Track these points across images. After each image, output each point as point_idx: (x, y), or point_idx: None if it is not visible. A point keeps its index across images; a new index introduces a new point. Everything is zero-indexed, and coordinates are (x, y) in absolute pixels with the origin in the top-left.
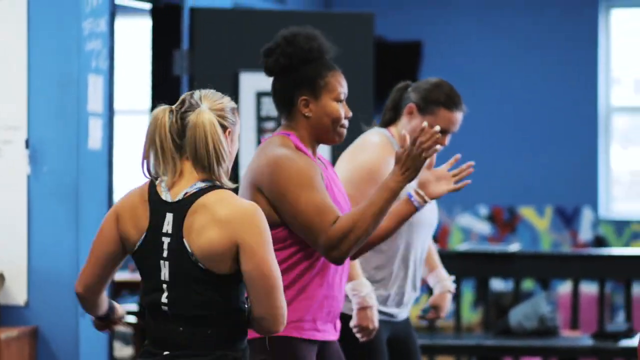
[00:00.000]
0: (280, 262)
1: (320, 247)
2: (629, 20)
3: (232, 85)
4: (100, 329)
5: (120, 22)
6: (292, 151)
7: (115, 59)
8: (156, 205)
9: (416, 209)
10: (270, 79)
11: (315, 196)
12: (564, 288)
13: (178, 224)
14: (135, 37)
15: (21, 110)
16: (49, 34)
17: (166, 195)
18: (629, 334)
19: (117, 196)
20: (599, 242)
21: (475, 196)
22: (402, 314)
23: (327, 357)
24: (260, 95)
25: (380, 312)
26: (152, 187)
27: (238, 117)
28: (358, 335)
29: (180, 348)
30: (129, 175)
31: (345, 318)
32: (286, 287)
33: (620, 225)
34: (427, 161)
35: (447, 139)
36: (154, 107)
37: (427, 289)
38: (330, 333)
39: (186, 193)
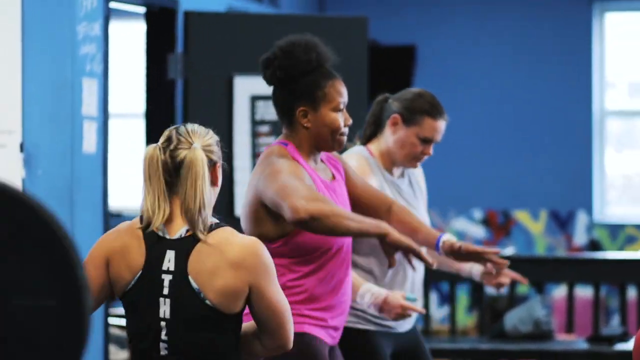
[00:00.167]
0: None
1: (291, 199)
2: (623, 24)
3: (226, 88)
4: None
5: (114, 26)
6: (283, 158)
7: (109, 62)
8: (153, 242)
9: (435, 250)
10: (265, 83)
11: (293, 178)
12: (559, 292)
13: (181, 261)
14: (129, 41)
15: (15, 114)
16: (44, 37)
17: (164, 232)
18: (624, 337)
19: (112, 200)
20: (594, 246)
21: (469, 200)
22: (404, 324)
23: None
24: (254, 99)
25: (380, 325)
26: (143, 224)
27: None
28: (400, 320)
29: None
30: (124, 179)
31: (346, 331)
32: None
33: (615, 229)
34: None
35: (431, 149)
36: (148, 110)
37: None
38: (338, 336)
39: (188, 230)
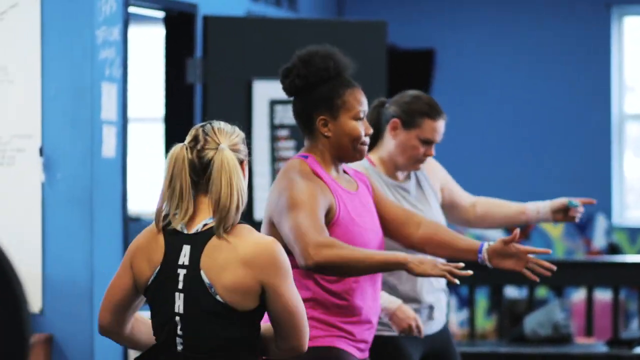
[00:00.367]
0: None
1: (301, 244)
2: None
3: (245, 93)
4: None
5: (133, 31)
6: (301, 176)
7: (128, 67)
8: (171, 237)
9: (477, 261)
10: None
11: (308, 214)
12: (578, 295)
13: (196, 255)
14: (148, 45)
15: (35, 119)
16: (63, 42)
17: (182, 228)
18: None
19: (131, 204)
20: (613, 249)
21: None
22: (432, 326)
23: None
24: (273, 103)
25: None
26: (165, 221)
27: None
28: (409, 334)
29: None
30: (143, 183)
31: (374, 339)
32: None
33: (634, 233)
34: (510, 237)
35: (433, 149)
36: (167, 115)
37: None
38: (367, 350)
39: (205, 225)
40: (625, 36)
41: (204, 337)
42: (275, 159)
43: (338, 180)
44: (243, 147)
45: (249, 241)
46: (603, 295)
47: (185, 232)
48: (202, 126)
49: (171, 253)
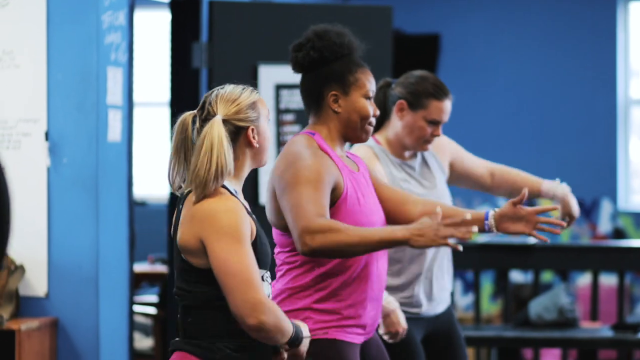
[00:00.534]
0: (301, 264)
1: (297, 230)
2: None
3: (250, 77)
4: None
5: (139, 15)
6: (309, 151)
7: (134, 51)
8: (177, 201)
9: (484, 229)
10: (290, 72)
11: (310, 193)
12: (583, 280)
13: (178, 216)
14: (154, 30)
15: (41, 103)
16: (68, 27)
17: (181, 192)
18: None
19: (137, 188)
20: (618, 233)
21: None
22: (435, 308)
23: (369, 355)
24: (279, 87)
25: (408, 312)
26: (181, 188)
27: (262, 106)
28: (390, 341)
29: (185, 337)
30: (149, 167)
31: None
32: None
33: (639, 217)
34: (518, 197)
35: (440, 129)
36: (173, 99)
37: None
38: (372, 331)
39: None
40: (631, 21)
41: (180, 294)
42: (280, 143)
43: (343, 159)
44: (247, 114)
45: (206, 202)
46: (608, 280)
47: (179, 195)
48: (211, 93)
49: (175, 217)
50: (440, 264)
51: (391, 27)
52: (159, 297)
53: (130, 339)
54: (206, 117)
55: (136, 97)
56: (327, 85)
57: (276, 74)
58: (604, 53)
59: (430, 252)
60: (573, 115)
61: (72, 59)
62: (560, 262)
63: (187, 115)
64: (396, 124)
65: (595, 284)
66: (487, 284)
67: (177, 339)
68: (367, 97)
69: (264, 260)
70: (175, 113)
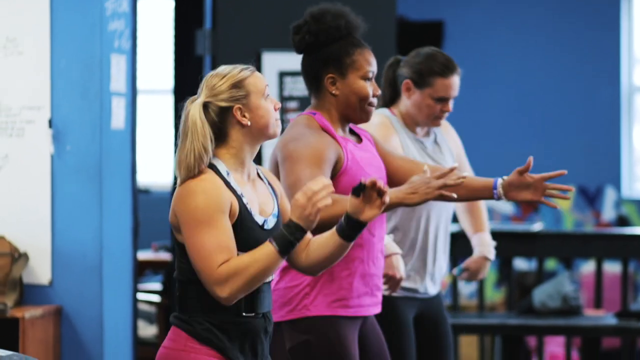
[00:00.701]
0: None
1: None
2: None
3: (254, 64)
4: None
5: (142, 2)
6: (309, 130)
7: (138, 39)
8: None
9: (492, 197)
10: (294, 59)
11: (309, 172)
12: (587, 267)
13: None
14: (157, 17)
15: (44, 90)
16: (72, 14)
17: None
18: None
19: (140, 175)
20: (622, 221)
21: (498, 175)
22: (428, 289)
23: (365, 330)
24: (282, 74)
25: (405, 289)
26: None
27: (253, 82)
28: (385, 286)
29: (176, 310)
30: (152, 155)
31: None
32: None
33: None
34: (524, 166)
35: (451, 104)
36: (176, 86)
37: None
38: (375, 307)
39: None
40: (634, 9)
41: (177, 270)
42: (284, 130)
43: (345, 136)
44: (235, 92)
45: (185, 183)
46: (612, 268)
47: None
48: (207, 76)
49: None
50: (443, 242)
51: (395, 14)
52: (163, 285)
53: (134, 327)
54: (195, 100)
55: (140, 85)
56: (324, 68)
57: (280, 61)
58: (608, 41)
59: (432, 228)
60: (577, 103)
61: (75, 47)
62: (564, 249)
63: (189, 100)
64: (406, 102)
65: (599, 272)
66: (491, 272)
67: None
68: (366, 78)
69: (244, 244)
70: (178, 100)
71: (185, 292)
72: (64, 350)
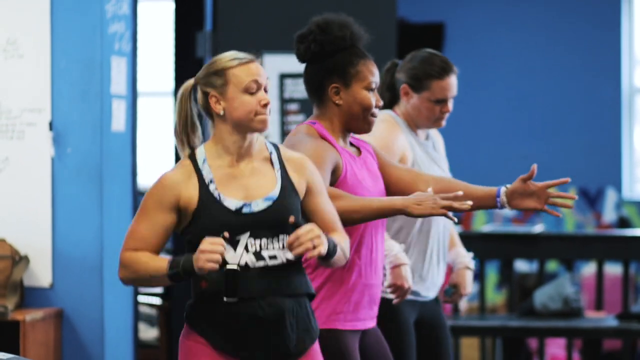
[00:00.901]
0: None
1: None
2: None
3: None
4: None
5: (143, 5)
6: (308, 138)
7: (138, 41)
8: None
9: (496, 206)
10: (295, 61)
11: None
12: (588, 269)
13: None
14: (158, 19)
15: (45, 93)
16: (73, 16)
17: None
18: None
19: (141, 178)
20: (623, 223)
21: (498, 178)
22: (428, 292)
23: (368, 344)
24: (283, 76)
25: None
26: None
27: (237, 74)
28: (392, 295)
29: None
30: (153, 157)
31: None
32: (325, 280)
33: None
34: (528, 174)
35: (450, 104)
36: (177, 89)
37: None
38: (370, 321)
39: None
40: (635, 10)
41: None
42: (285, 132)
43: (345, 147)
44: (212, 79)
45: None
46: (613, 269)
47: None
48: None
49: None
50: (443, 245)
51: (395, 16)
52: (164, 288)
53: (135, 330)
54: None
55: (140, 87)
56: (328, 78)
57: (280, 63)
58: (608, 42)
59: (435, 233)
60: (577, 104)
61: (76, 49)
62: (565, 251)
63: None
64: (405, 107)
65: (600, 274)
66: (492, 274)
67: None
68: (369, 89)
69: (211, 227)
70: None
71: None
72: (64, 353)
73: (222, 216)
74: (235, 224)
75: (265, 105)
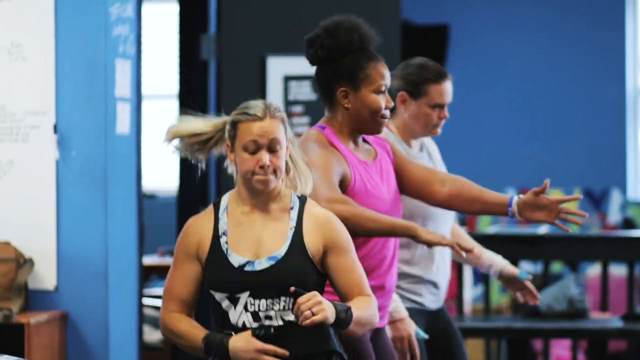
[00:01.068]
0: None
1: (314, 198)
2: None
3: (259, 69)
4: None
5: (147, 7)
6: (316, 145)
7: (142, 43)
8: None
9: (507, 214)
10: (299, 63)
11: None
12: (593, 270)
13: None
14: (162, 22)
15: (49, 96)
16: (76, 19)
17: None
18: None
19: (146, 180)
20: (628, 224)
21: (503, 179)
22: (435, 302)
23: (378, 342)
24: (287, 79)
25: (413, 301)
26: None
27: (245, 133)
28: (397, 345)
29: None
30: (158, 160)
31: None
32: None
33: None
34: (540, 187)
35: (446, 111)
36: (181, 91)
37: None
38: (382, 321)
39: None
40: (639, 11)
41: None
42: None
43: (355, 152)
44: (228, 128)
45: None
46: (618, 270)
47: None
48: None
49: None
50: (448, 256)
51: (399, 18)
52: None
53: (140, 332)
54: None
55: (145, 90)
56: (336, 82)
57: (285, 66)
58: (613, 42)
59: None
60: (582, 105)
61: (80, 52)
62: (569, 252)
63: None
64: (402, 115)
65: (604, 275)
66: None
67: None
68: (379, 92)
69: (215, 282)
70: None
71: None
72: (69, 356)
73: (225, 271)
74: (236, 282)
75: (263, 167)
